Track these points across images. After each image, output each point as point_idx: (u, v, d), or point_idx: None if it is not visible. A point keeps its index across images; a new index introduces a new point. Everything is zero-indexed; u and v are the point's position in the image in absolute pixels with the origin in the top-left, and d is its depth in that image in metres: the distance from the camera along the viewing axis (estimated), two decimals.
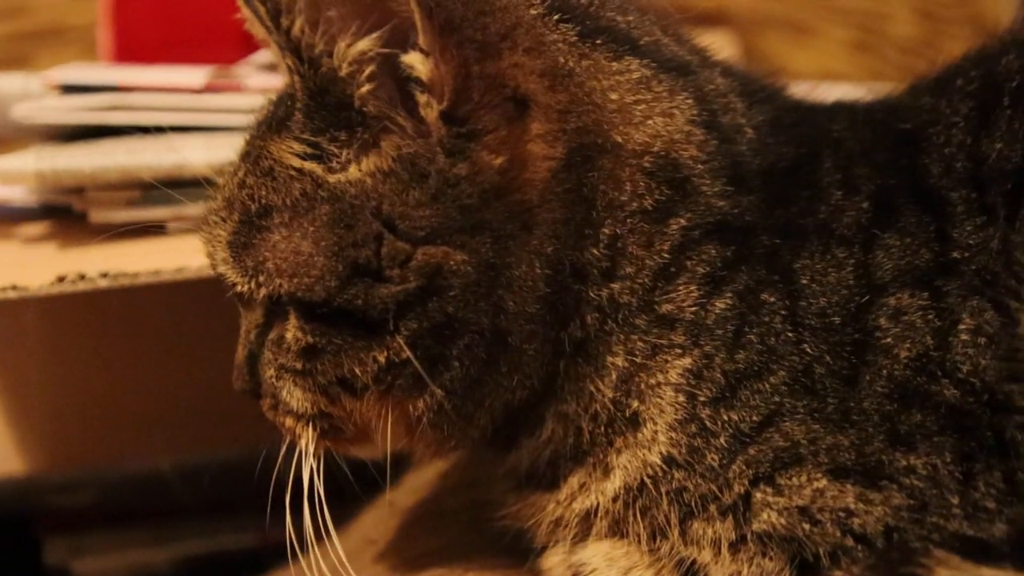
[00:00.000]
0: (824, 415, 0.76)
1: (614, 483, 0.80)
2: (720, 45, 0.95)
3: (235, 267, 0.80)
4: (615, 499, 0.80)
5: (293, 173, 0.79)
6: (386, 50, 0.75)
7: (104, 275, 1.01)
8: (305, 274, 0.77)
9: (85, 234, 1.11)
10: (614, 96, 0.80)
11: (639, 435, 0.79)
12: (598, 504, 0.81)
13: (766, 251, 0.79)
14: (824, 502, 0.75)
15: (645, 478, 0.78)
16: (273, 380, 0.82)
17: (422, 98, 0.75)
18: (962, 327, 0.76)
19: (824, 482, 0.75)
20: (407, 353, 0.76)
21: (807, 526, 0.76)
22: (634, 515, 0.80)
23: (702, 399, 0.77)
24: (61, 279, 1.00)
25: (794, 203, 0.81)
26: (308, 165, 0.78)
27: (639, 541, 0.80)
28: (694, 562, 0.79)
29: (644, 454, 0.78)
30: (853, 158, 0.83)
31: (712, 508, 0.77)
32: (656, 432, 0.78)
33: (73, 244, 1.11)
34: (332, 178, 0.78)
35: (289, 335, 0.79)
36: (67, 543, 1.38)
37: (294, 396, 0.82)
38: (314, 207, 0.77)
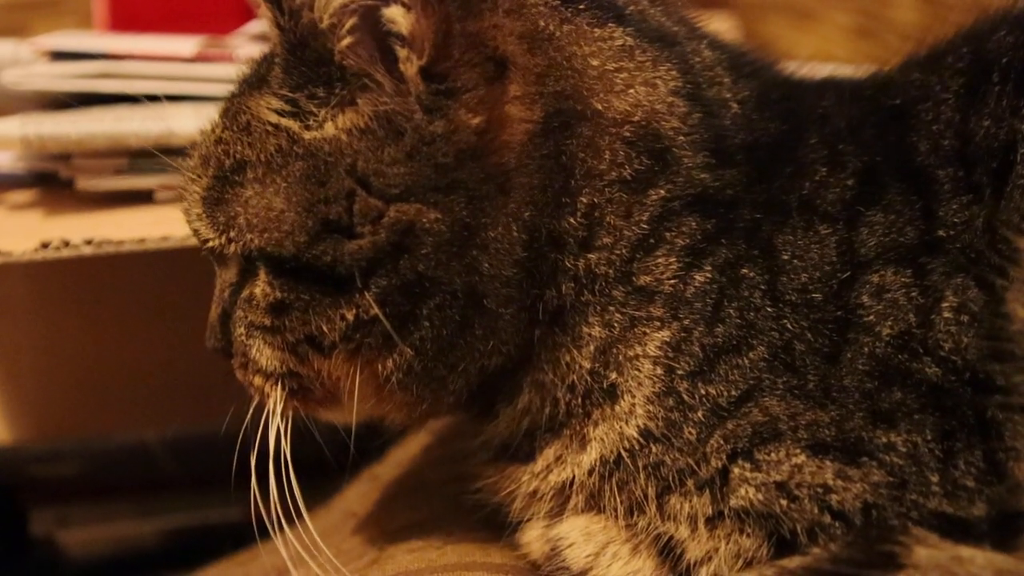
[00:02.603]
0: (804, 391, 0.75)
1: (590, 456, 0.79)
2: (722, 29, 0.94)
3: (208, 222, 0.80)
4: (591, 472, 0.79)
5: (269, 129, 0.78)
6: (368, 2, 0.74)
7: (88, 242, 1.01)
8: (276, 229, 0.77)
9: (71, 201, 1.11)
10: (595, 62, 0.79)
11: (616, 407, 0.78)
12: (574, 477, 0.80)
13: (747, 225, 0.79)
14: (802, 478, 0.75)
15: (622, 451, 0.78)
16: (243, 338, 0.82)
17: (402, 52, 0.75)
18: (945, 304, 0.75)
19: (803, 458, 0.75)
20: (375, 310, 0.76)
21: (785, 502, 0.75)
22: (611, 489, 0.79)
23: (680, 372, 0.77)
24: (45, 245, 1.00)
25: (777, 178, 0.80)
26: (285, 121, 0.78)
27: (616, 515, 0.80)
28: (671, 538, 0.78)
29: (621, 426, 0.78)
30: (839, 134, 0.82)
31: (689, 483, 0.77)
32: (634, 405, 0.77)
33: (59, 211, 1.11)
34: (308, 135, 0.77)
35: (258, 290, 0.79)
36: (53, 514, 1.38)
37: (263, 354, 0.81)
38: (288, 163, 0.77)
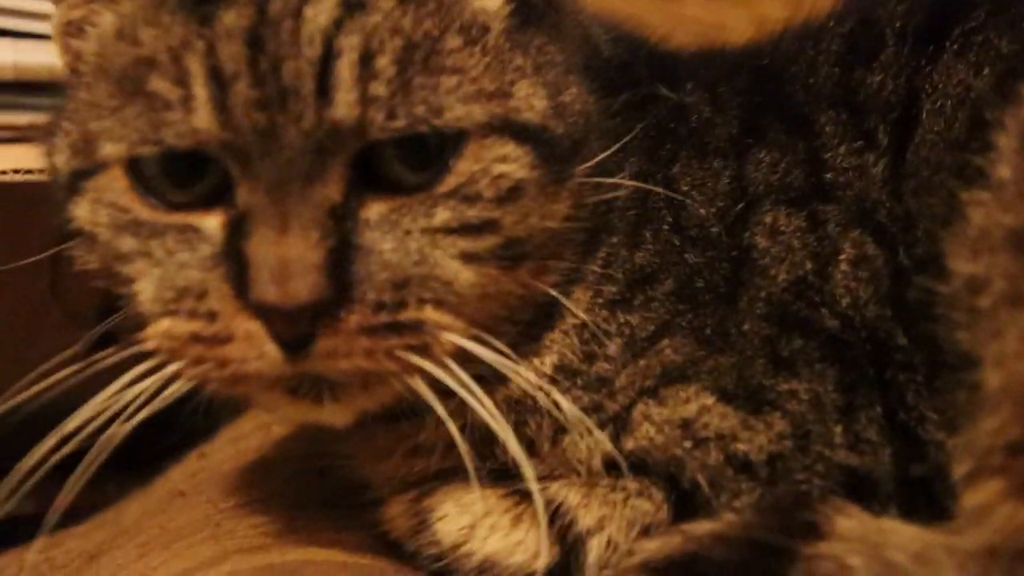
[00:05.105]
0: (703, 336, 0.73)
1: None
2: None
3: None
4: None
5: None
6: None
7: None
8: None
9: None
10: None
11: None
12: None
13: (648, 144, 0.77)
14: (709, 419, 0.72)
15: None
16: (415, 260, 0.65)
17: None
18: (842, 257, 0.75)
19: (709, 401, 0.72)
20: None
21: (688, 444, 0.71)
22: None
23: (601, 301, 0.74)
24: None
25: (663, 113, 0.79)
26: None
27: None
28: (560, 505, 0.71)
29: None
30: (716, 81, 0.82)
31: (591, 419, 0.70)
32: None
33: None
34: None
35: (504, 167, 0.66)
36: None
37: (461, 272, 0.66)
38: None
